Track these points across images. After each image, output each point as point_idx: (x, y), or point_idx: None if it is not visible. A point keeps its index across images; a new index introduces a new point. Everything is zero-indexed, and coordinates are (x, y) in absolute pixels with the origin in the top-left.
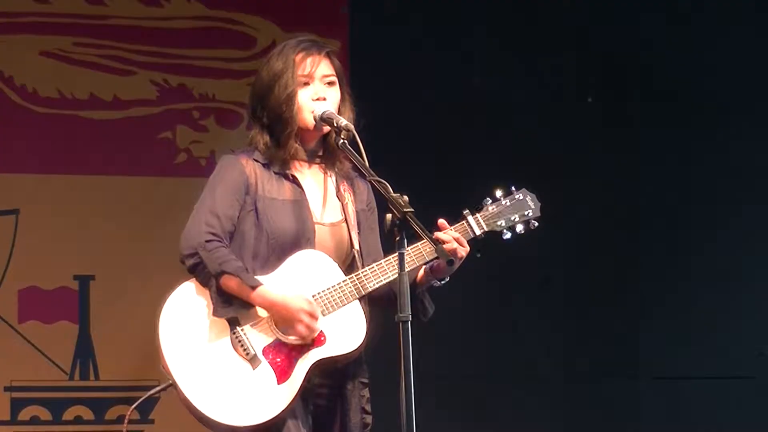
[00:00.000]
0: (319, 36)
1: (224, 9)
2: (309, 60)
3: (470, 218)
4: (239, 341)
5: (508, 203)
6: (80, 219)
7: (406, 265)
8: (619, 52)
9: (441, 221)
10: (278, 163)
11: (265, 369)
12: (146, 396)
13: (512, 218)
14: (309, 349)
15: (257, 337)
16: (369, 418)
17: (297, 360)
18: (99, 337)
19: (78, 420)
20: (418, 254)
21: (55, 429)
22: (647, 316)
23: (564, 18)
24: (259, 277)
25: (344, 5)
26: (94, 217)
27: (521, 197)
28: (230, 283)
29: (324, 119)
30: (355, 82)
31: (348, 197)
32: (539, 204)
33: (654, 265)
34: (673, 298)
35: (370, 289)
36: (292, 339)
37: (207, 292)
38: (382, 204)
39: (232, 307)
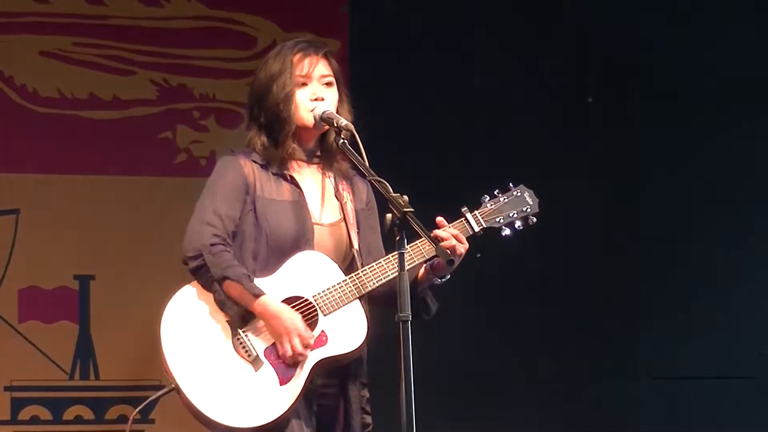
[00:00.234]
0: (319, 36)
1: (224, 9)
2: (307, 60)
3: (469, 215)
4: (241, 343)
5: (506, 200)
6: (80, 219)
7: (407, 264)
8: (619, 52)
9: (439, 219)
10: (276, 163)
11: (268, 371)
12: (150, 399)
13: (511, 214)
14: (311, 349)
15: (259, 339)
16: (369, 418)
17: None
18: (99, 337)
19: (78, 420)
20: (417, 252)
21: (56, 429)
22: (647, 315)
23: (564, 18)
24: (260, 279)
25: (344, 5)
26: (94, 217)
27: (519, 193)
28: (232, 289)
29: (324, 119)
30: (354, 82)
31: (347, 196)
32: (537, 200)
33: (654, 265)
34: (673, 297)
35: (370, 289)
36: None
37: (208, 295)
38: (382, 204)
39: (239, 309)
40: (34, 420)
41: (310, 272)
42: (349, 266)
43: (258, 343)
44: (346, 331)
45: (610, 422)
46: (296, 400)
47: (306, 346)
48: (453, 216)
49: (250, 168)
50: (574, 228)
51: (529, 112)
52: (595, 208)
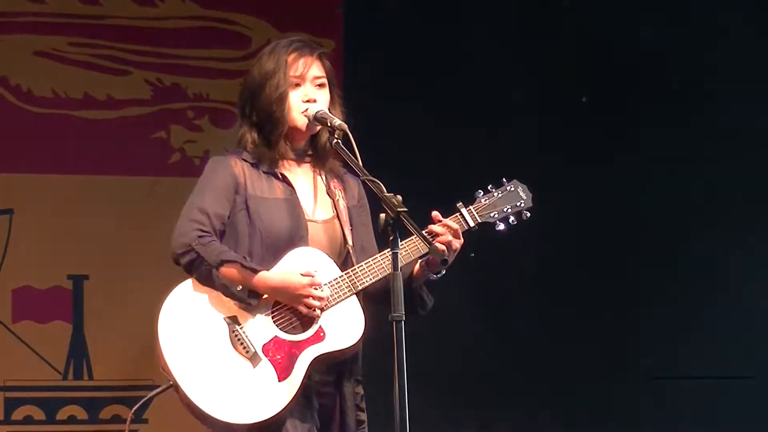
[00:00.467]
0: (313, 36)
1: (219, 9)
2: (301, 61)
3: (464, 210)
4: (239, 340)
5: (500, 195)
6: (74, 218)
7: (402, 260)
8: (619, 52)
9: (435, 213)
10: (267, 162)
11: (266, 367)
12: (148, 397)
13: (505, 209)
14: (309, 345)
15: (256, 335)
16: (363, 416)
17: (297, 356)
18: (93, 337)
19: (72, 420)
20: (413, 248)
21: (49, 429)
22: (645, 316)
23: (562, 18)
24: None
25: (339, 5)
26: (88, 217)
27: (513, 188)
28: (231, 272)
29: (318, 118)
30: (349, 82)
31: (339, 194)
32: (531, 195)
33: (653, 265)
34: (672, 298)
35: (365, 285)
36: (291, 335)
37: (204, 291)
38: (376, 203)
39: (241, 290)
40: (28, 420)
41: (306, 267)
42: (343, 263)
43: (256, 339)
44: (344, 327)
45: (610, 422)
46: (295, 396)
47: (321, 288)
48: (447, 212)
49: (240, 167)
50: (571, 227)
51: (529, 112)
52: (594, 207)
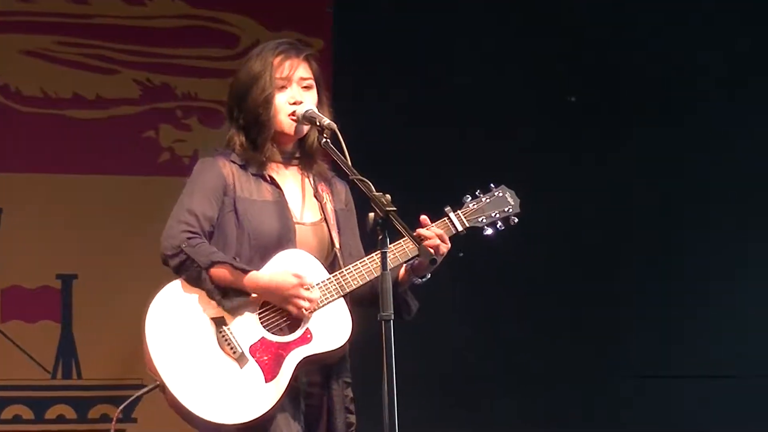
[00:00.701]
0: (303, 35)
1: (208, 8)
2: (287, 63)
3: (452, 215)
4: (226, 340)
5: (488, 200)
6: (63, 218)
7: (389, 263)
8: (612, 52)
9: (423, 217)
10: (255, 164)
11: (253, 367)
12: (134, 397)
13: (493, 214)
14: (296, 347)
15: (244, 336)
16: (352, 418)
17: (284, 358)
18: (81, 337)
19: (60, 419)
20: (401, 251)
21: (38, 428)
22: (633, 315)
23: (552, 19)
24: None
25: (329, 4)
26: (77, 216)
27: (500, 194)
28: (221, 272)
29: (307, 117)
30: (338, 82)
31: (326, 197)
32: (518, 200)
33: (642, 265)
34: (660, 297)
35: (352, 288)
36: (278, 336)
37: (192, 291)
38: (365, 203)
39: (230, 297)
40: (17, 419)
41: (294, 269)
42: (331, 265)
43: (243, 340)
44: (331, 329)
45: (598, 422)
46: (281, 396)
47: (311, 289)
48: (435, 215)
49: (229, 169)
50: (561, 227)
51: (519, 112)
52: (586, 207)
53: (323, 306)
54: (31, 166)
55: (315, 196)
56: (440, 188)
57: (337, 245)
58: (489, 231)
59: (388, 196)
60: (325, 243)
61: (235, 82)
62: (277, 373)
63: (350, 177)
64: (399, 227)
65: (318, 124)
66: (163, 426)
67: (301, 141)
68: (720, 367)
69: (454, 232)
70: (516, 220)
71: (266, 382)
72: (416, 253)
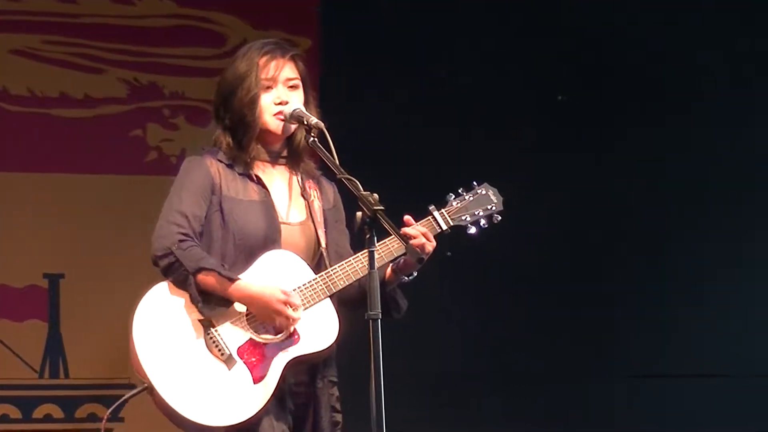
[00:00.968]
0: (290, 35)
1: (195, 7)
2: (273, 63)
3: (436, 213)
4: (214, 342)
5: (471, 198)
6: (50, 217)
7: (376, 262)
8: (608, 52)
9: (407, 217)
10: (241, 163)
11: (241, 369)
12: (123, 399)
13: (476, 213)
14: (283, 348)
15: (232, 338)
16: (339, 417)
17: (272, 359)
18: (69, 336)
19: (48, 418)
20: (386, 251)
21: (25, 427)
22: (622, 314)
23: (544, 18)
24: None
25: (316, 4)
26: (64, 216)
27: (483, 192)
28: (208, 279)
29: (294, 117)
30: (327, 81)
31: (314, 194)
32: (501, 198)
33: (638, 265)
34: (649, 296)
35: (339, 288)
36: (265, 338)
37: (179, 293)
38: (353, 202)
39: (213, 305)
40: (4, 418)
41: (280, 271)
42: (317, 265)
43: (231, 342)
44: (318, 329)
45: (588, 421)
46: (270, 398)
47: (296, 309)
48: (420, 214)
49: (216, 168)
50: (550, 226)
51: (506, 110)
52: (574, 207)
53: (310, 307)
54: (17, 165)
55: (302, 195)
56: (429, 188)
57: (324, 245)
58: (473, 229)
59: (376, 195)
60: (311, 243)
61: (221, 81)
62: (265, 375)
63: (338, 176)
64: (386, 226)
65: (305, 123)
66: (150, 426)
67: (289, 140)
68: (716, 367)
69: (438, 230)
70: (499, 218)
71: (254, 383)
72: (402, 252)
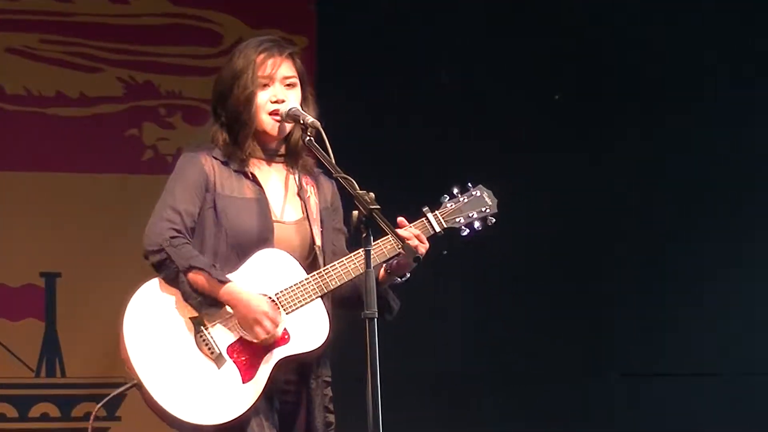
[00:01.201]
0: (286, 33)
1: (190, 6)
2: (270, 61)
3: (430, 215)
4: (204, 341)
5: (466, 200)
6: (46, 216)
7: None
8: (611, 52)
9: (400, 219)
10: (237, 161)
11: (230, 368)
12: (112, 395)
13: (470, 215)
14: (273, 348)
15: (222, 336)
16: (332, 417)
17: (261, 359)
18: (65, 335)
19: (44, 417)
20: (379, 252)
21: (22, 426)
22: (617, 313)
23: (542, 18)
24: None
25: (312, 2)
26: (61, 215)
27: (478, 194)
28: (198, 278)
29: (291, 116)
30: (323, 79)
31: (311, 190)
32: (496, 200)
33: (626, 264)
34: (644, 295)
35: (333, 287)
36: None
37: (171, 290)
38: (349, 201)
39: (203, 300)
40: (0, 417)
41: (271, 270)
42: (311, 264)
43: (221, 341)
44: (309, 329)
45: (584, 420)
46: (258, 397)
47: (276, 326)
48: (417, 215)
49: (210, 165)
50: (550, 226)
51: (503, 110)
52: (568, 206)
53: (302, 306)
54: (14, 164)
55: (298, 194)
56: (425, 187)
57: (319, 243)
58: (466, 231)
59: (372, 194)
60: (305, 242)
61: (218, 78)
62: (255, 374)
63: (334, 175)
64: (383, 225)
65: (302, 122)
66: (147, 425)
67: (286, 139)
68: (716, 367)
69: (432, 232)
70: (493, 220)
71: (243, 382)
72: (394, 252)
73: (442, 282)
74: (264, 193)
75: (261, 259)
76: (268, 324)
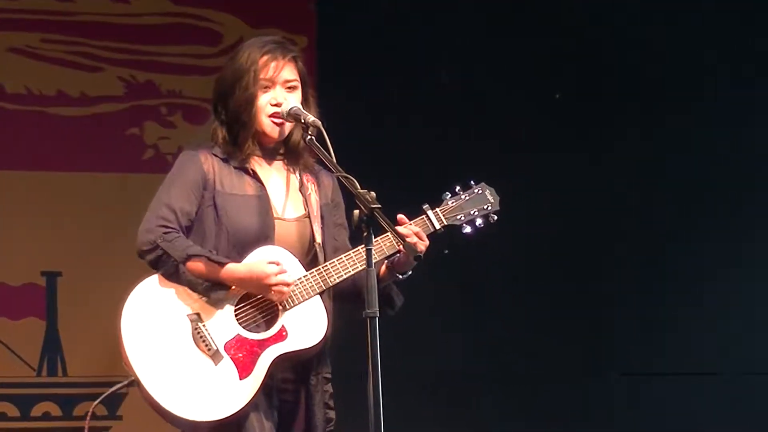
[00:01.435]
0: (286, 32)
1: (191, 5)
2: (273, 64)
3: (430, 212)
4: (201, 337)
5: (467, 197)
6: (47, 216)
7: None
8: (611, 52)
9: (400, 216)
10: (236, 158)
11: (227, 364)
12: (109, 392)
13: (472, 212)
14: (271, 344)
15: (219, 333)
16: (332, 414)
17: (259, 355)
18: (67, 334)
19: (46, 416)
20: (379, 249)
21: (23, 425)
22: (616, 313)
23: (541, 18)
24: None
25: (312, 1)
26: (62, 214)
27: (480, 191)
28: (197, 266)
29: (292, 115)
30: (322, 78)
31: (311, 188)
32: (498, 198)
33: (626, 264)
34: (650, 297)
35: (333, 283)
36: (253, 334)
37: (169, 286)
38: (350, 200)
39: (214, 288)
40: (2, 416)
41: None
42: (311, 261)
43: (218, 337)
44: (306, 326)
45: (584, 420)
46: (255, 394)
47: (284, 271)
48: (414, 215)
49: (210, 163)
50: (550, 226)
51: (502, 110)
52: (568, 205)
53: (303, 302)
54: (15, 163)
55: (299, 190)
56: (425, 186)
57: (319, 240)
58: (468, 229)
59: (373, 193)
60: (305, 239)
61: (220, 77)
62: (252, 371)
63: (335, 174)
64: (383, 224)
65: (303, 121)
66: (148, 423)
67: (286, 139)
68: (716, 367)
69: (431, 230)
70: (495, 218)
71: (240, 379)
72: (393, 250)
73: (442, 281)
74: (265, 189)
75: (260, 256)
76: (280, 276)
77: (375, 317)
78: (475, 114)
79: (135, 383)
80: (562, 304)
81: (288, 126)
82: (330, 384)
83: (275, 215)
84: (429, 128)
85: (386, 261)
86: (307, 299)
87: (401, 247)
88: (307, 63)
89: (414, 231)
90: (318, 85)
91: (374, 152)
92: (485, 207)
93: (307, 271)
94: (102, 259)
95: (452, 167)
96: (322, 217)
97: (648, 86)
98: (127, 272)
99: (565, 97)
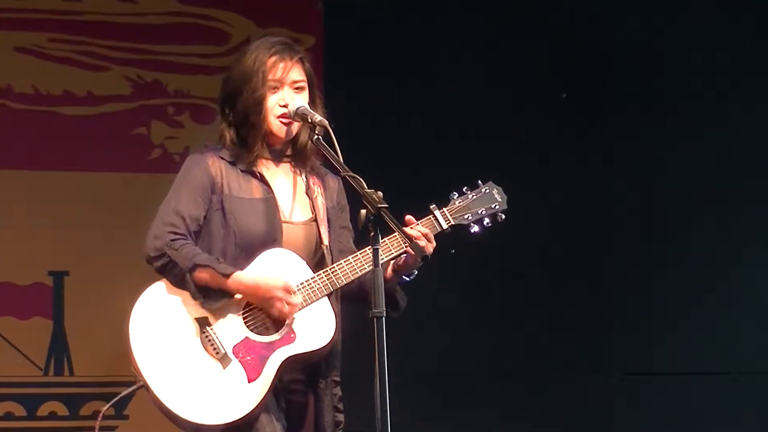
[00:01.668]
0: (293, 32)
1: (198, 5)
2: (281, 65)
3: (437, 212)
4: (209, 340)
5: (475, 197)
6: (54, 215)
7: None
8: (603, 51)
9: (408, 217)
10: (245, 161)
11: (236, 368)
12: (120, 396)
13: (479, 211)
14: (279, 347)
15: (227, 336)
16: (341, 416)
17: (267, 358)
18: (73, 333)
19: (52, 416)
20: (385, 249)
21: (30, 425)
22: (619, 313)
23: (541, 18)
24: None
25: (319, 1)
26: (69, 213)
27: (488, 190)
28: (203, 275)
29: (299, 114)
30: (329, 78)
31: (318, 190)
32: (506, 197)
33: (626, 264)
34: (646, 295)
35: (341, 285)
36: (261, 336)
37: (176, 291)
38: (357, 200)
39: (213, 298)
40: (8, 416)
41: (279, 269)
42: (318, 263)
43: (226, 340)
44: (315, 328)
45: (584, 420)
46: (264, 397)
47: (291, 293)
48: (420, 215)
49: (217, 167)
50: (550, 226)
51: (505, 109)
52: (569, 205)
53: (311, 304)
54: (22, 162)
55: (306, 193)
56: (430, 187)
57: (326, 243)
58: (475, 228)
59: (380, 193)
60: (312, 242)
61: (227, 78)
62: (260, 374)
63: (342, 174)
64: (390, 224)
65: (310, 120)
66: (155, 424)
67: (293, 140)
68: (716, 366)
69: (439, 230)
70: (503, 216)
71: (249, 382)
72: (399, 250)
73: (442, 281)
74: (273, 192)
75: (268, 259)
76: (284, 295)
77: (382, 317)
78: (475, 114)
79: (144, 387)
80: (562, 303)
81: (295, 126)
82: (339, 387)
83: (283, 218)
84: (429, 128)
85: (392, 263)
86: (315, 301)
87: (408, 247)
88: (315, 62)
89: (422, 232)
90: (324, 83)
91: (374, 153)
92: (493, 206)
93: (314, 273)
94: (109, 259)
95: (452, 167)
96: (328, 220)
97: (648, 86)
98: (134, 272)
99: (565, 97)
